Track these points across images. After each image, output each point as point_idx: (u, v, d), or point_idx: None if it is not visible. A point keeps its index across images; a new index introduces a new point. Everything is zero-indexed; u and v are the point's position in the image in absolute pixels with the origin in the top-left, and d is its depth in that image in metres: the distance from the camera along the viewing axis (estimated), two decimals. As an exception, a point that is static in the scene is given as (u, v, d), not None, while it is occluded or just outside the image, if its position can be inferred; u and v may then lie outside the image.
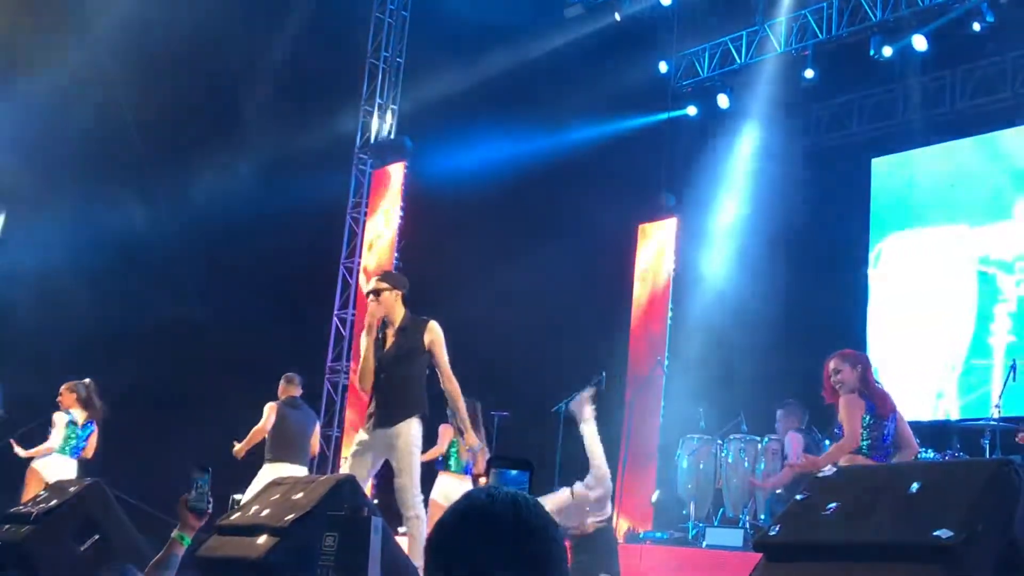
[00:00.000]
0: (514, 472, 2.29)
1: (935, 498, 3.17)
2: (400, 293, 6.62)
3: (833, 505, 3.32)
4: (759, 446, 10.14)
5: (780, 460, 9.57)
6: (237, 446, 9.57)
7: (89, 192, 11.75)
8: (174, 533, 3.69)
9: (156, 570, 3.68)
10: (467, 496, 1.90)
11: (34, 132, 11.21)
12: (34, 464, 9.42)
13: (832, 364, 6.59)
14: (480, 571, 1.77)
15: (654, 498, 11.64)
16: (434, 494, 9.20)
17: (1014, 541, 3.18)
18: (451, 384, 6.57)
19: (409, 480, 6.34)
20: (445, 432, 9.27)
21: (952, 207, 12.28)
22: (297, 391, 9.95)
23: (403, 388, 6.51)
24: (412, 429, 6.42)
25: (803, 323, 12.01)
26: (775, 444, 9.68)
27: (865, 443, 6.39)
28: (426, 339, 6.54)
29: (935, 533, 3.00)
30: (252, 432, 9.59)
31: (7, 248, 11.50)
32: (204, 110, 12.58)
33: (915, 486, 3.24)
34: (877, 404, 6.47)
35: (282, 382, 9.87)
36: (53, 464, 9.33)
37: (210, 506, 3.69)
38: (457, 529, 1.82)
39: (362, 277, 13.41)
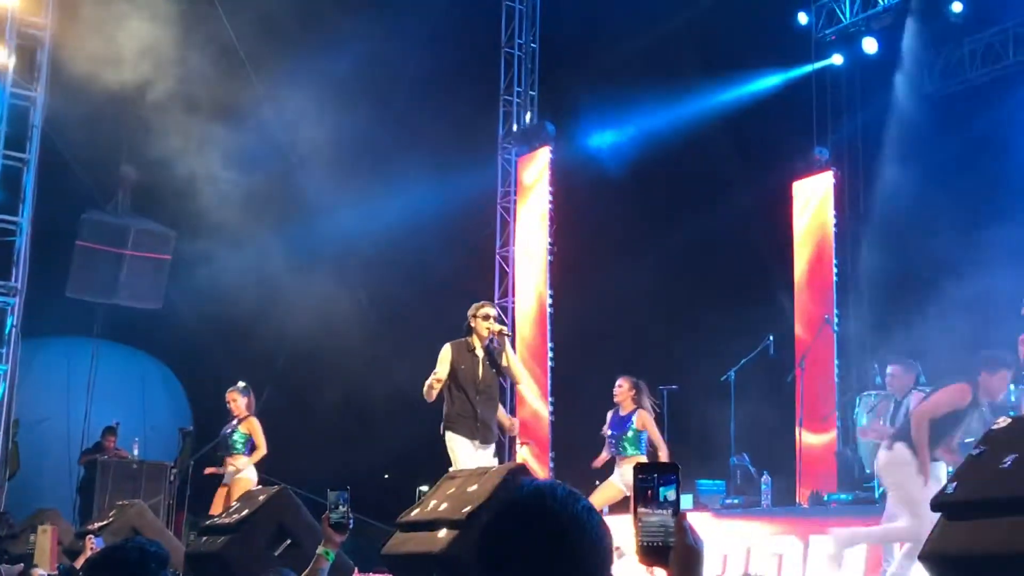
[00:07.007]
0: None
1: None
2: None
3: (1011, 458, 3.20)
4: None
5: None
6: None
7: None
8: (319, 549, 3.81)
9: None
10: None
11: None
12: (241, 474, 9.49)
13: None
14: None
15: None
16: None
17: None
18: None
19: None
20: None
21: None
22: None
23: None
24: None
25: (973, 268, 11.46)
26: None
27: None
28: None
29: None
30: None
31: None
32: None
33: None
34: None
35: None
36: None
37: (351, 522, 3.80)
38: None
39: (518, 265, 13.51)
